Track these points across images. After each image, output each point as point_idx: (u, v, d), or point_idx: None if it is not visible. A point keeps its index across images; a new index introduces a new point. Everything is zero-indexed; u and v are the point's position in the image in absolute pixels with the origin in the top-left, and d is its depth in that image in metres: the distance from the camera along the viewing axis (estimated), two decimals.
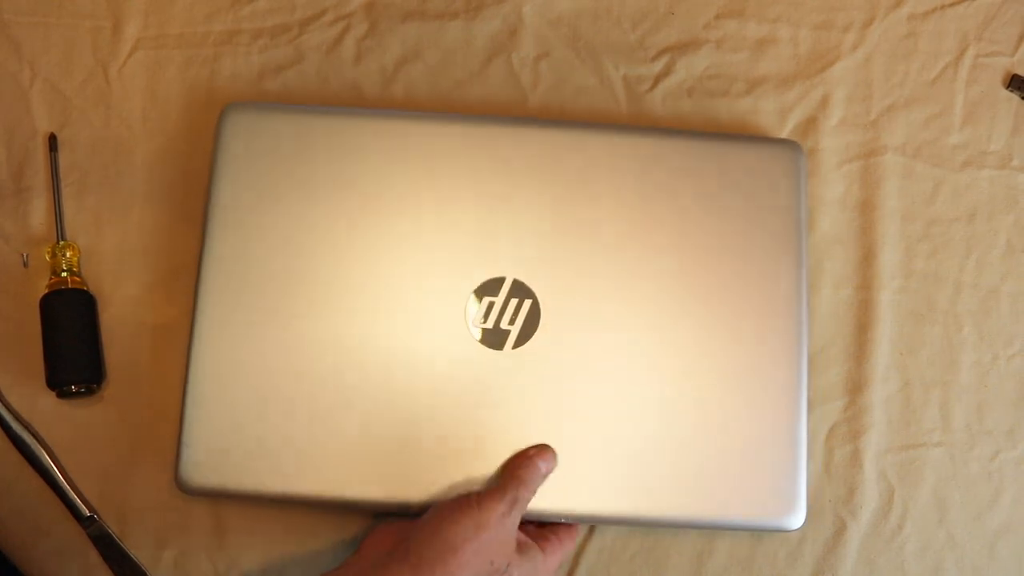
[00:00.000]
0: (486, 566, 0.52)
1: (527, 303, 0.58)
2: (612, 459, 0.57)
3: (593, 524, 0.61)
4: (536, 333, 0.57)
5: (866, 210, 0.65)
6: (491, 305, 0.58)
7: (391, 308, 0.58)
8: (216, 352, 0.57)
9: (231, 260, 0.58)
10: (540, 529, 0.58)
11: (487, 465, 0.57)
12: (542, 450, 0.56)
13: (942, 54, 0.68)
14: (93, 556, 0.59)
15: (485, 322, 0.57)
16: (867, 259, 0.65)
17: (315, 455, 0.56)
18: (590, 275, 0.58)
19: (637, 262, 0.59)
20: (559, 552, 0.57)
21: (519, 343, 0.57)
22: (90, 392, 0.61)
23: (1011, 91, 0.67)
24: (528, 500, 0.55)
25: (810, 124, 0.66)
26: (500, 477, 0.56)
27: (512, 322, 0.58)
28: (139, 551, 0.60)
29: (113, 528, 0.60)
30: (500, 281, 0.58)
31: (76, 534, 0.60)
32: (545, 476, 0.56)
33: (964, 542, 0.62)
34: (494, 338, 0.57)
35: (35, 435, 0.60)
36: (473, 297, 0.58)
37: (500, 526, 0.53)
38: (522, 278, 0.58)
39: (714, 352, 0.58)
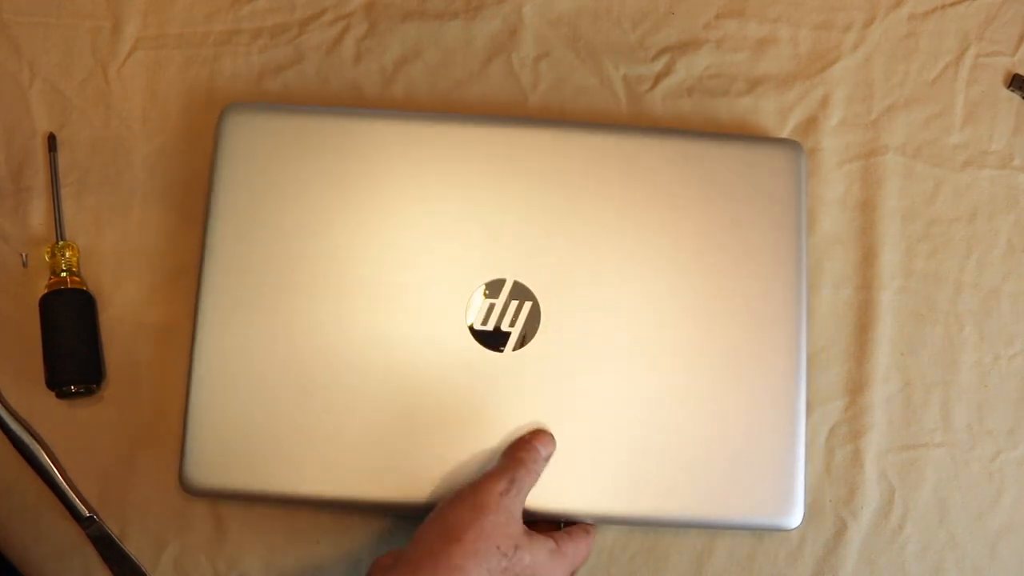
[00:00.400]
0: (493, 552, 0.49)
1: (527, 305, 0.58)
2: (612, 459, 0.57)
3: (593, 523, 0.61)
4: (536, 335, 0.57)
5: (866, 210, 0.65)
6: (491, 307, 0.58)
7: (391, 310, 0.58)
8: (218, 352, 0.57)
9: (232, 260, 0.58)
10: (553, 529, 0.57)
11: (486, 466, 0.57)
12: (539, 433, 0.56)
13: (943, 54, 0.68)
14: (92, 556, 0.59)
15: (485, 324, 0.57)
16: (867, 259, 0.65)
17: (318, 455, 0.56)
18: (590, 276, 0.58)
19: (637, 263, 0.59)
20: (570, 545, 0.55)
21: (519, 345, 0.57)
22: (89, 392, 0.61)
23: (1012, 91, 0.67)
24: (528, 483, 0.54)
25: (810, 124, 0.66)
26: (498, 461, 0.55)
27: (512, 324, 0.57)
28: (139, 551, 0.60)
29: (113, 528, 0.60)
30: (501, 283, 0.58)
31: (75, 534, 0.60)
32: (545, 460, 0.55)
33: (965, 542, 0.62)
34: (494, 340, 0.57)
35: (34, 435, 0.60)
36: (473, 299, 0.58)
37: (501, 507, 0.51)
38: (522, 280, 0.58)
39: (714, 352, 0.58)
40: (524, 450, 0.54)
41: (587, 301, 0.58)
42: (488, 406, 0.57)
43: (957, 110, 0.67)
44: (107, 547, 0.59)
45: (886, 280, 0.64)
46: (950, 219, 0.66)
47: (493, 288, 0.58)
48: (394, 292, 0.58)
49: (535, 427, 0.57)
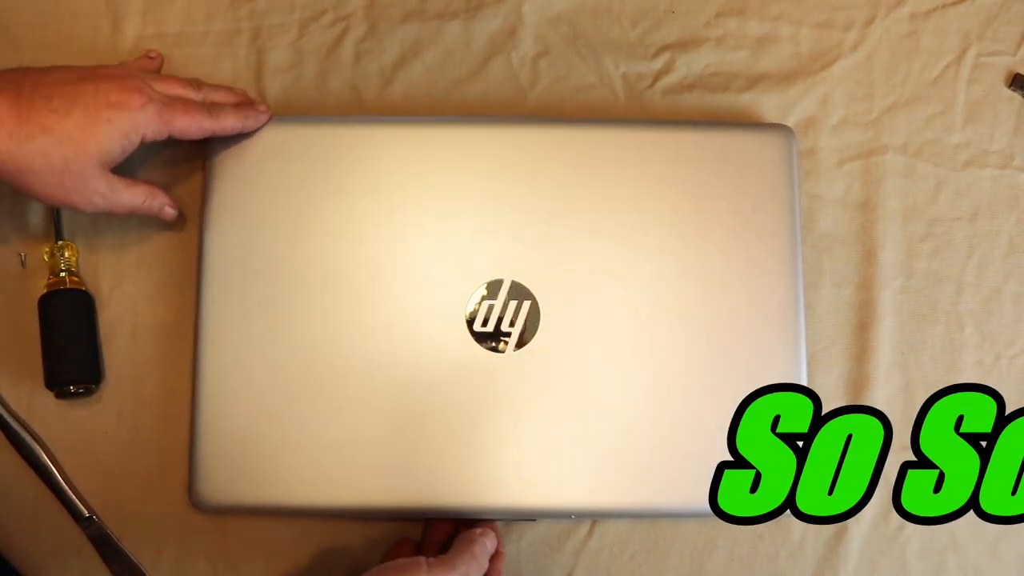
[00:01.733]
0: None
1: (526, 304, 0.58)
2: (612, 456, 0.57)
3: (594, 519, 0.61)
4: (536, 335, 0.57)
5: (867, 209, 0.65)
6: (491, 308, 0.57)
7: (391, 313, 0.58)
8: (221, 367, 0.57)
9: (230, 270, 0.58)
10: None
11: (490, 468, 0.57)
12: (488, 532, 0.56)
13: (944, 53, 0.68)
14: (92, 556, 0.59)
15: (485, 325, 0.57)
16: (868, 258, 0.65)
17: (323, 464, 0.56)
18: (588, 275, 0.58)
19: (635, 260, 0.59)
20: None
21: (520, 345, 0.57)
22: (88, 392, 0.61)
23: (1013, 90, 0.67)
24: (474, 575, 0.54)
25: (811, 123, 0.66)
26: (449, 551, 0.55)
27: (512, 324, 0.57)
28: (138, 551, 0.60)
29: (112, 528, 0.60)
30: (499, 283, 0.58)
31: (75, 534, 0.60)
32: (488, 557, 0.56)
33: (966, 543, 0.62)
34: (494, 341, 0.57)
35: (34, 436, 0.60)
36: (473, 300, 0.58)
37: None
38: (521, 280, 0.58)
39: (713, 346, 0.58)
40: (478, 544, 0.55)
41: (586, 300, 0.58)
42: (490, 407, 0.57)
43: (958, 109, 0.67)
44: (106, 547, 0.59)
45: (887, 280, 0.64)
46: (951, 219, 0.65)
47: (492, 289, 0.58)
48: (393, 296, 0.58)
49: (483, 526, 0.57)
